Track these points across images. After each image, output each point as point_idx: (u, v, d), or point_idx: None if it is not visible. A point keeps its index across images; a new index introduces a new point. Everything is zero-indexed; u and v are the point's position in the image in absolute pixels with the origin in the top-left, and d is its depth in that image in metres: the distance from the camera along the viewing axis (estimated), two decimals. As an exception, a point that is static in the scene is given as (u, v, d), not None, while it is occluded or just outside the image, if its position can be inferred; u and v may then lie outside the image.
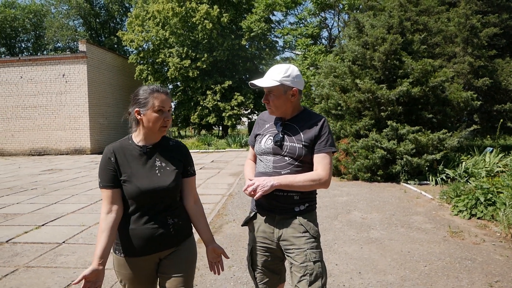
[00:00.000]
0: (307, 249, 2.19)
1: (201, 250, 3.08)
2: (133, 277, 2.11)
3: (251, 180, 2.23)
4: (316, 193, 2.39)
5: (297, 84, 2.29)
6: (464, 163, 8.73)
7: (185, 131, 42.14)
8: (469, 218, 6.06)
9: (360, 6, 14.64)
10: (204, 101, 24.63)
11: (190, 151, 14.21)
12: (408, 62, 9.44)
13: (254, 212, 2.39)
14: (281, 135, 2.28)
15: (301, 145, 2.23)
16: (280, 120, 2.37)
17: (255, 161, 2.54)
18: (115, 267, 2.15)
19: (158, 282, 2.21)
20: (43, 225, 6.24)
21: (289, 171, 2.24)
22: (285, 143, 2.26)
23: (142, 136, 2.14)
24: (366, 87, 9.29)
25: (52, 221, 6.49)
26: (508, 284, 3.70)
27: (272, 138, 2.32)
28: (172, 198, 2.15)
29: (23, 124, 20.82)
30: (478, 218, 5.98)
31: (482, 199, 6.03)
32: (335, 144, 2.34)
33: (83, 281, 1.87)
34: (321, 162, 2.23)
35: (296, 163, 2.25)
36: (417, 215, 6.38)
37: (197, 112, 25.05)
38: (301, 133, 2.27)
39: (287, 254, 2.26)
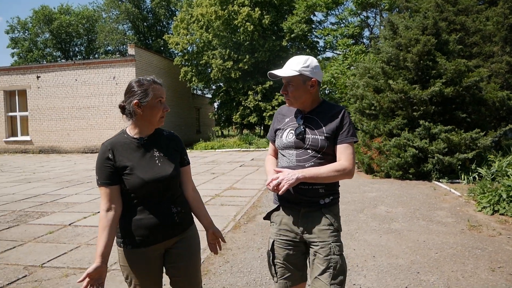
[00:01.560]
0: (332, 242, 2.21)
1: (243, 236, 3.61)
2: (140, 269, 2.13)
3: (274, 174, 2.24)
4: (339, 185, 2.38)
5: (316, 75, 2.29)
6: (497, 162, 8.82)
7: (228, 131, 43.04)
8: (492, 214, 6.29)
9: (399, 6, 14.75)
10: (246, 101, 25.30)
11: (231, 150, 15.02)
12: (442, 62, 9.61)
13: (277, 205, 2.39)
14: (302, 128, 2.28)
15: (323, 137, 2.24)
16: (300, 113, 2.37)
17: (276, 156, 2.54)
18: (120, 261, 2.18)
19: (165, 274, 2.26)
20: (98, 212, 7.02)
21: (312, 163, 2.23)
22: (307, 135, 2.26)
23: (137, 129, 2.17)
24: (399, 87, 9.56)
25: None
26: (510, 269, 4.02)
27: (293, 131, 2.31)
28: (175, 186, 2.21)
29: (77, 124, 22.23)
30: (501, 214, 6.20)
31: (504, 195, 6.25)
32: (356, 134, 2.33)
33: (87, 279, 1.94)
34: (344, 152, 2.23)
35: (319, 155, 2.25)
36: (441, 210, 6.67)
37: (239, 112, 25.75)
38: (322, 124, 2.27)
39: (311, 246, 2.27)
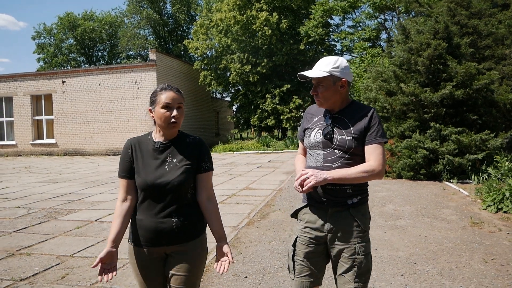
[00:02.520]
0: (357, 243, 2.23)
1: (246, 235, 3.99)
2: (140, 267, 2.20)
3: (303, 170, 2.25)
4: (368, 185, 2.39)
5: (346, 75, 2.30)
6: (506, 162, 8.99)
7: (247, 133, 43.53)
8: (496, 212, 6.53)
9: (414, 10, 14.97)
10: (264, 104, 25.71)
11: (249, 152, 15.35)
12: (453, 65, 9.84)
13: (306, 203, 2.41)
14: (330, 128, 2.29)
15: (351, 137, 2.24)
16: (328, 113, 2.37)
17: (305, 155, 2.54)
18: (129, 256, 2.28)
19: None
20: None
21: (340, 164, 2.24)
22: (334, 135, 2.27)
23: (159, 133, 2.24)
24: (410, 90, 9.83)
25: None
26: (502, 261, 4.31)
27: (321, 131, 2.33)
28: (179, 194, 2.18)
29: (100, 127, 22.98)
30: (504, 212, 6.45)
31: (508, 194, 6.49)
32: (385, 135, 2.33)
33: (100, 263, 2.05)
34: (373, 153, 2.23)
35: (347, 156, 2.25)
36: (447, 208, 6.94)
37: (257, 115, 26.17)
38: (350, 125, 2.27)
39: (335, 246, 2.29)
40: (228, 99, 34.06)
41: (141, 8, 44.62)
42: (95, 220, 6.70)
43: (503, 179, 8.18)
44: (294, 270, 2.37)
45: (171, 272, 2.18)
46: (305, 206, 2.40)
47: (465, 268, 4.15)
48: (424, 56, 9.88)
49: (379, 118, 2.34)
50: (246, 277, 4.09)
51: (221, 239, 2.22)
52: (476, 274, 3.96)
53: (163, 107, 2.14)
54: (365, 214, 2.33)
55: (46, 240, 5.60)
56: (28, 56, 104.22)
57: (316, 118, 2.42)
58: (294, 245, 2.39)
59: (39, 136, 24.62)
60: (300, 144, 2.61)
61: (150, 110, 2.22)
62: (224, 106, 35.21)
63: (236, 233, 5.73)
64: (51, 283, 4.01)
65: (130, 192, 2.19)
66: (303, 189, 2.16)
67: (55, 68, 44.52)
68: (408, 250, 4.76)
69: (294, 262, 2.38)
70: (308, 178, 2.15)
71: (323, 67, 2.28)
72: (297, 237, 2.39)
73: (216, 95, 38.15)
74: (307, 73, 2.30)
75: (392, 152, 10.40)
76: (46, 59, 47.36)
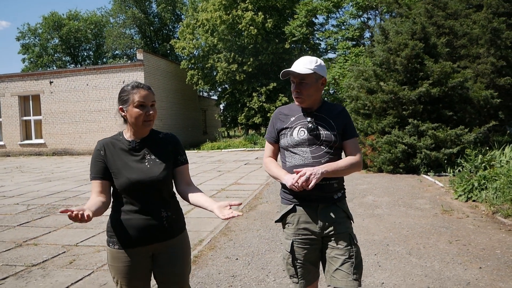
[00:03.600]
0: (350, 233, 2.35)
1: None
2: (126, 270, 2.15)
3: (298, 172, 2.23)
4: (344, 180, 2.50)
5: (325, 74, 2.42)
6: (480, 156, 9.57)
7: (234, 131, 43.95)
8: (466, 201, 7.09)
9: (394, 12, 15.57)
10: (250, 102, 26.17)
11: (237, 149, 15.87)
12: (429, 65, 10.41)
13: (292, 205, 2.40)
14: (314, 125, 2.36)
15: (335, 133, 2.35)
16: (306, 111, 2.44)
17: (275, 157, 2.57)
18: (109, 261, 2.22)
19: (153, 278, 2.28)
20: (115, 204, 7.91)
21: (327, 159, 2.33)
22: (320, 132, 2.35)
23: (130, 132, 2.23)
24: (389, 88, 10.37)
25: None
26: (464, 241, 4.84)
27: (304, 129, 2.37)
28: (164, 190, 2.22)
29: (89, 127, 23.21)
30: (473, 200, 7.01)
31: (476, 184, 7.06)
32: (355, 129, 2.54)
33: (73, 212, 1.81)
34: (353, 146, 2.39)
35: (332, 151, 2.35)
36: (422, 198, 7.48)
37: (244, 113, 26.63)
38: (331, 121, 2.38)
39: (330, 240, 2.34)
40: (215, 97, 34.44)
41: (127, 8, 44.69)
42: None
43: (476, 171, 8.76)
44: (297, 274, 2.38)
45: (161, 269, 2.21)
46: (292, 209, 2.40)
47: (432, 248, 4.67)
48: (402, 56, 10.43)
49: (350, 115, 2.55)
50: (237, 259, 4.55)
51: (213, 202, 2.12)
52: (440, 253, 4.48)
53: (137, 106, 2.13)
54: (347, 206, 2.46)
55: (50, 232, 6.00)
56: (11, 56, 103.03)
57: (293, 118, 2.45)
58: (291, 251, 2.38)
59: (28, 137, 24.74)
60: (270, 146, 2.57)
61: (121, 109, 2.18)
62: (211, 104, 35.58)
63: (227, 223, 6.17)
64: (61, 267, 4.43)
65: (103, 193, 2.17)
66: (309, 186, 2.17)
67: (40, 69, 44.38)
68: (382, 235, 5.27)
69: (295, 266, 2.38)
70: (309, 178, 2.18)
71: (307, 64, 2.34)
72: (292, 241, 2.39)
73: (203, 94, 38.49)
74: (295, 69, 2.35)
75: (373, 147, 10.95)
76: (31, 59, 47.15)
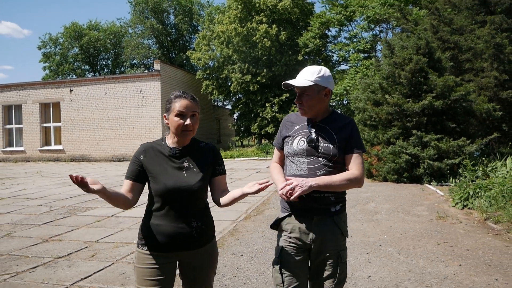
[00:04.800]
0: (340, 250, 2.32)
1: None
2: (151, 274, 2.17)
3: (288, 180, 2.26)
4: (346, 193, 2.43)
5: (330, 84, 2.35)
6: (481, 167, 9.93)
7: (248, 141, 44.51)
8: (462, 208, 7.48)
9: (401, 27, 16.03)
10: (264, 112, 26.76)
11: (249, 158, 16.42)
12: (433, 78, 10.83)
13: (288, 213, 2.38)
14: (314, 136, 2.32)
15: (335, 146, 2.29)
16: (310, 121, 2.40)
17: (281, 164, 2.55)
18: (136, 262, 2.26)
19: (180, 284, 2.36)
20: (134, 207, 8.45)
21: (324, 172, 2.28)
22: (319, 144, 2.30)
23: (172, 139, 2.27)
24: (394, 101, 10.81)
25: (140, 205, 8.73)
26: (451, 243, 5.26)
27: (305, 139, 2.34)
28: (198, 199, 2.25)
29: (106, 134, 23.98)
30: (468, 208, 7.39)
31: (471, 192, 7.44)
32: (363, 145, 2.43)
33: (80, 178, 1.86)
34: (354, 161, 2.30)
35: (330, 163, 2.29)
36: (420, 206, 7.88)
37: (257, 123, 27.22)
38: (333, 133, 2.32)
39: (319, 254, 2.34)
40: (229, 107, 35.08)
41: (145, 19, 45.86)
42: (112, 216, 7.66)
43: (474, 181, 9.12)
44: (283, 283, 2.34)
45: (186, 276, 2.27)
46: (288, 216, 2.38)
47: (420, 248, 5.10)
48: (407, 70, 10.88)
49: (358, 129, 2.42)
50: (241, 255, 5.04)
51: (240, 191, 2.20)
52: (427, 252, 4.91)
53: (176, 115, 2.17)
54: (345, 221, 2.40)
55: (72, 230, 6.56)
56: (32, 63, 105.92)
57: (298, 127, 2.43)
58: (280, 257, 2.37)
59: (47, 143, 25.63)
60: (277, 152, 2.59)
61: (165, 116, 2.26)
62: (226, 114, 36.26)
63: (235, 225, 6.67)
64: (84, 259, 4.97)
65: (132, 192, 2.24)
66: (291, 198, 2.17)
67: (60, 77, 45.71)
68: (377, 237, 5.71)
69: (282, 274, 2.35)
70: (294, 188, 2.17)
71: (308, 76, 2.32)
72: (282, 247, 2.37)
73: (217, 104, 39.23)
74: (292, 82, 2.35)
75: (378, 157, 11.36)
76: (51, 68, 48.53)
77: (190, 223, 2.19)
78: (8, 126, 26.14)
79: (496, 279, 4.00)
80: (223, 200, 2.29)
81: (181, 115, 2.17)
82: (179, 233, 2.16)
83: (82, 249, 5.46)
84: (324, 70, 2.35)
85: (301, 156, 2.33)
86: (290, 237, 2.34)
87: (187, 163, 2.23)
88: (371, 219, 6.89)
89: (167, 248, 2.17)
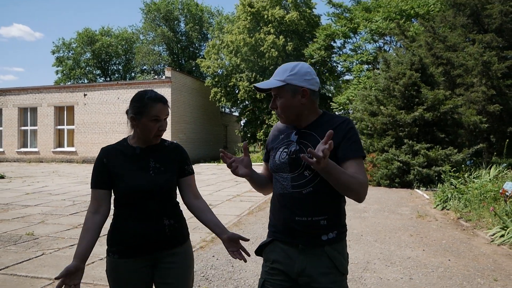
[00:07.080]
0: None
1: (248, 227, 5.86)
2: (125, 281, 2.08)
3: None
4: (345, 217, 2.04)
5: (307, 83, 1.89)
6: (461, 174, 10.74)
7: (254, 147, 45.49)
8: (442, 209, 8.39)
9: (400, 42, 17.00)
10: (269, 119, 27.73)
11: (255, 163, 17.21)
12: (424, 92, 11.77)
13: (270, 239, 2.00)
14: (296, 146, 1.91)
15: None
16: (294, 128, 1.99)
17: (270, 178, 2.13)
18: (107, 271, 2.13)
19: None
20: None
21: (311, 189, 1.84)
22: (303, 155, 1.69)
23: (136, 139, 2.16)
24: (388, 112, 11.75)
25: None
26: (422, 235, 6.18)
27: (286, 150, 1.94)
28: (167, 198, 2.16)
29: (117, 137, 24.10)
30: (447, 209, 8.29)
31: (449, 195, 8.35)
32: (363, 149, 1.92)
33: (64, 278, 1.89)
34: (356, 168, 1.81)
35: (319, 178, 1.82)
36: (405, 207, 8.80)
37: (263, 130, 28.19)
38: (320, 140, 1.70)
39: None
40: (236, 114, 36.10)
41: (157, 26, 47.19)
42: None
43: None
44: None
45: (163, 280, 2.13)
46: (270, 242, 2.00)
47: (395, 238, 6.02)
48: (400, 83, 11.83)
49: (356, 129, 1.96)
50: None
51: (223, 231, 2.13)
52: (399, 241, 5.84)
53: (152, 120, 2.07)
54: (343, 253, 1.93)
55: (97, 219, 7.52)
56: (43, 66, 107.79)
57: (282, 136, 2.04)
58: None
59: (60, 144, 26.71)
60: (265, 165, 2.21)
61: (133, 118, 2.11)
62: (233, 120, 37.32)
63: (239, 219, 7.61)
64: (112, 240, 5.94)
65: (103, 203, 2.10)
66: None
67: (72, 81, 47.11)
68: (360, 230, 6.64)
69: None
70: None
71: (279, 75, 1.91)
72: (264, 281, 1.98)
73: (225, 110, 40.30)
74: (259, 85, 1.94)
75: (373, 164, 12.28)
76: (64, 72, 49.94)
77: (162, 221, 2.10)
78: (23, 128, 27.27)
79: (449, 260, 4.92)
80: (202, 219, 2.21)
81: (157, 120, 2.09)
82: (151, 233, 2.06)
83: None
84: (300, 66, 1.91)
85: (284, 171, 1.93)
86: (272, 268, 1.95)
87: (153, 162, 2.14)
88: (359, 216, 7.81)
89: (140, 251, 2.07)
